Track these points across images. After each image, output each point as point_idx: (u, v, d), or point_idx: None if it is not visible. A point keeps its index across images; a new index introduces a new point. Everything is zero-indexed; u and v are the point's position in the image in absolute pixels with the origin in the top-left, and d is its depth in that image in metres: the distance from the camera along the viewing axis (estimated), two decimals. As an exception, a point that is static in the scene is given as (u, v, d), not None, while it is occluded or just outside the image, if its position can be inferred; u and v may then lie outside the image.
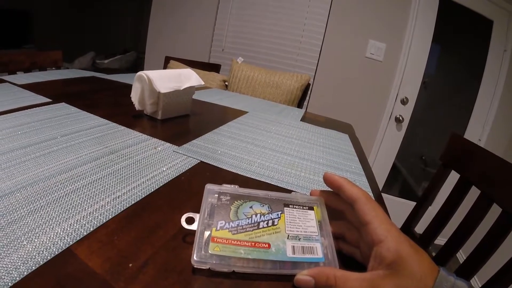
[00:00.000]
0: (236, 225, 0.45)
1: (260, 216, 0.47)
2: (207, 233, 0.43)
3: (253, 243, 0.43)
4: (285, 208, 0.50)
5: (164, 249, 0.42)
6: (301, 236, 0.46)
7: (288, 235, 0.45)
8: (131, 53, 4.50)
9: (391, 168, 3.12)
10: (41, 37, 3.92)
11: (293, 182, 0.74)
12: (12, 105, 0.91)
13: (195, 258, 0.39)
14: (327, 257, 0.43)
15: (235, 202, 0.49)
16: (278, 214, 0.48)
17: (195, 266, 0.39)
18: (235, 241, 0.43)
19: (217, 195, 0.50)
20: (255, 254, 0.42)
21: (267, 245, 0.43)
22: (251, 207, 0.49)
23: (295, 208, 0.51)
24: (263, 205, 0.50)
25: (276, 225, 0.47)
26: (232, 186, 0.52)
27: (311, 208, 0.51)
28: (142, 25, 3.89)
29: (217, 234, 0.43)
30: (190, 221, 0.45)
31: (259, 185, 0.70)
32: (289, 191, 0.69)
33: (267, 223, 0.46)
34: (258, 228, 0.45)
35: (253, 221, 0.46)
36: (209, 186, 0.51)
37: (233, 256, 0.41)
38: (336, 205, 0.52)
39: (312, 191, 0.55)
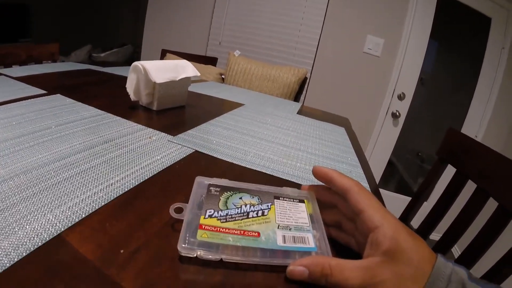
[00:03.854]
0: (225, 214, 0.45)
1: (250, 207, 0.47)
2: (195, 222, 0.42)
3: (242, 231, 0.42)
4: (275, 200, 0.50)
5: (156, 236, 0.42)
6: (292, 226, 0.45)
7: (279, 225, 0.45)
8: (128, 46, 4.48)
9: (387, 163, 3.13)
10: (38, 30, 3.90)
11: (288, 172, 0.74)
12: (7, 97, 0.90)
13: (182, 244, 0.38)
14: (319, 247, 0.43)
15: (225, 193, 0.49)
16: (268, 205, 0.48)
17: (182, 254, 0.38)
18: (224, 229, 0.42)
19: (206, 187, 0.49)
20: (244, 242, 0.41)
21: (256, 233, 0.43)
22: (240, 198, 0.49)
23: (285, 200, 0.50)
24: (253, 197, 0.50)
25: (266, 215, 0.46)
26: (222, 179, 0.52)
27: (301, 201, 0.51)
28: (139, 19, 3.88)
29: (205, 221, 0.43)
30: (178, 211, 0.44)
31: (254, 175, 0.70)
32: (284, 181, 0.69)
33: (257, 213, 0.46)
34: (248, 217, 0.45)
35: (242, 211, 0.46)
36: (199, 179, 0.51)
37: (221, 243, 0.40)
38: (327, 198, 0.51)
39: (302, 187, 0.55)
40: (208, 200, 0.47)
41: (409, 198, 1.23)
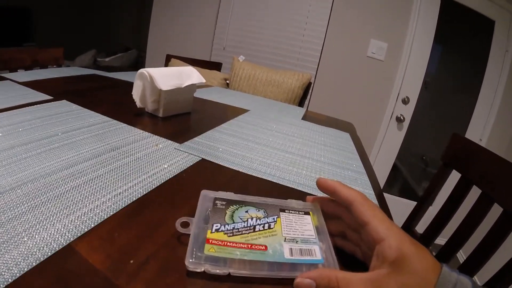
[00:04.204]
0: (231, 228, 0.45)
1: (256, 220, 0.47)
2: (201, 236, 0.42)
3: (249, 245, 0.42)
4: (281, 212, 0.50)
5: (165, 247, 0.42)
6: (298, 239, 0.45)
7: (285, 238, 0.45)
8: (132, 51, 4.50)
9: (391, 167, 3.12)
10: (42, 34, 3.92)
11: (294, 180, 0.74)
12: (13, 102, 0.91)
13: (189, 259, 0.38)
14: (326, 259, 0.43)
15: (231, 206, 0.49)
16: (274, 218, 0.48)
17: (189, 269, 0.38)
18: (231, 243, 0.42)
19: (212, 201, 0.50)
20: (252, 255, 0.41)
21: (263, 247, 0.43)
22: (246, 211, 0.49)
23: (291, 213, 0.50)
24: (258, 210, 0.50)
25: (272, 228, 0.46)
26: (228, 192, 0.52)
27: (307, 213, 0.51)
28: (143, 23, 3.89)
29: (212, 236, 0.43)
30: (185, 225, 0.44)
31: (260, 183, 0.70)
32: (290, 189, 0.69)
33: (263, 226, 0.46)
34: (254, 231, 0.45)
35: (249, 225, 0.46)
36: (204, 192, 0.51)
37: (228, 257, 0.40)
38: (332, 210, 0.51)
39: (307, 198, 0.55)
40: (214, 214, 0.47)
41: (414, 203, 1.23)
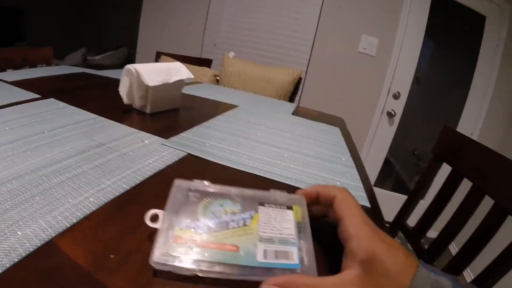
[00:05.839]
0: (202, 225, 0.42)
1: (231, 216, 0.44)
2: (170, 233, 0.40)
3: (219, 245, 0.40)
4: (259, 207, 0.46)
5: (148, 241, 0.42)
6: (275, 238, 0.42)
7: (261, 237, 0.42)
8: (123, 49, 4.47)
9: (383, 162, 3.13)
10: (34, 34, 3.90)
11: (282, 174, 0.74)
12: (0, 101, 0.90)
13: (154, 259, 0.36)
14: (303, 263, 0.40)
15: (204, 199, 0.46)
16: (251, 214, 0.45)
17: (155, 268, 0.37)
18: (200, 243, 0.40)
19: (185, 192, 0.47)
20: (221, 257, 0.38)
21: (235, 247, 0.40)
22: (221, 205, 0.46)
23: (271, 207, 0.47)
24: (235, 203, 0.46)
25: (247, 225, 0.43)
26: (204, 182, 0.49)
27: (290, 208, 0.47)
28: (133, 21, 3.88)
29: (181, 233, 0.40)
30: (154, 218, 0.42)
31: (247, 177, 0.70)
32: (276, 182, 0.69)
33: (238, 223, 0.43)
34: (227, 228, 0.42)
35: (221, 221, 0.43)
36: (178, 182, 0.48)
37: (196, 258, 0.38)
38: (321, 209, 0.49)
39: (297, 192, 0.51)
40: (186, 207, 0.44)
41: (406, 197, 1.24)
